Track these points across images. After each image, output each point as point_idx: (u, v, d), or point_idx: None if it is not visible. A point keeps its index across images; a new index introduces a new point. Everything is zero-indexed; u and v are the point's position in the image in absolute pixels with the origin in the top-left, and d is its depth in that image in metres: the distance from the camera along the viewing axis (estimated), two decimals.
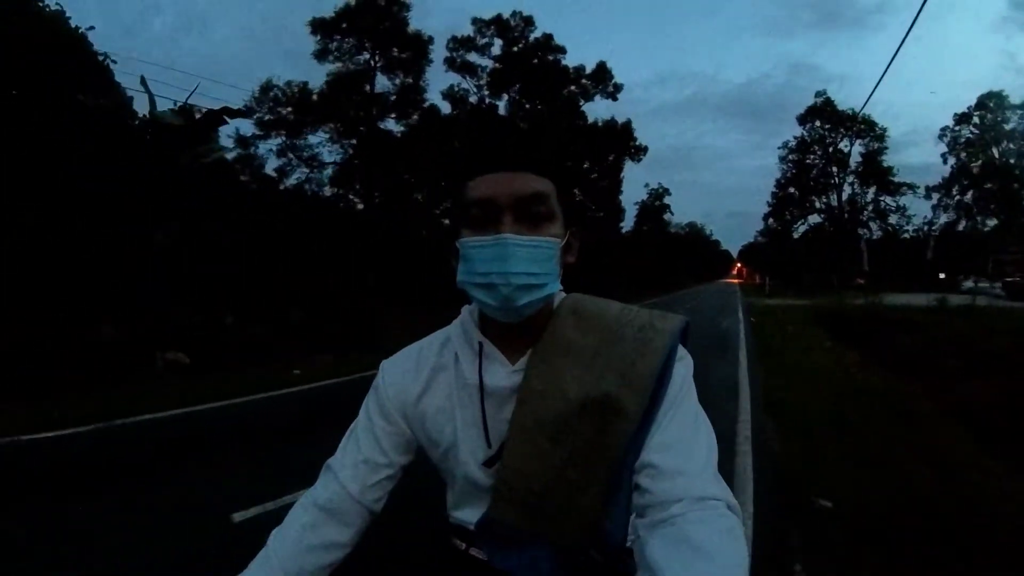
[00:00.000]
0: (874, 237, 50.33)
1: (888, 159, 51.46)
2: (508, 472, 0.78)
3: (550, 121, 29.28)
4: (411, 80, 25.34)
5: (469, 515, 0.86)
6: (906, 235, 50.67)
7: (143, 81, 12.70)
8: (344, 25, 23.87)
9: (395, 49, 24.38)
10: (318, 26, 23.82)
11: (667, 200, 56.33)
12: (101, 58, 11.75)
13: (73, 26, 11.35)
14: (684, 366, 0.80)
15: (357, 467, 0.85)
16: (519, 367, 0.81)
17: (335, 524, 0.83)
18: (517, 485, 0.77)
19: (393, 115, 25.12)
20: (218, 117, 13.50)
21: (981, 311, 14.38)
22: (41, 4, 10.92)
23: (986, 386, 6.22)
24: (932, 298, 16.34)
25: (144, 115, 12.67)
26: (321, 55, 24.10)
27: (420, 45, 24.74)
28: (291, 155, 23.23)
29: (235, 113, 14.42)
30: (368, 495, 0.85)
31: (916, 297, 19.66)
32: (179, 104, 13.15)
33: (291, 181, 23.40)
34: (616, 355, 0.78)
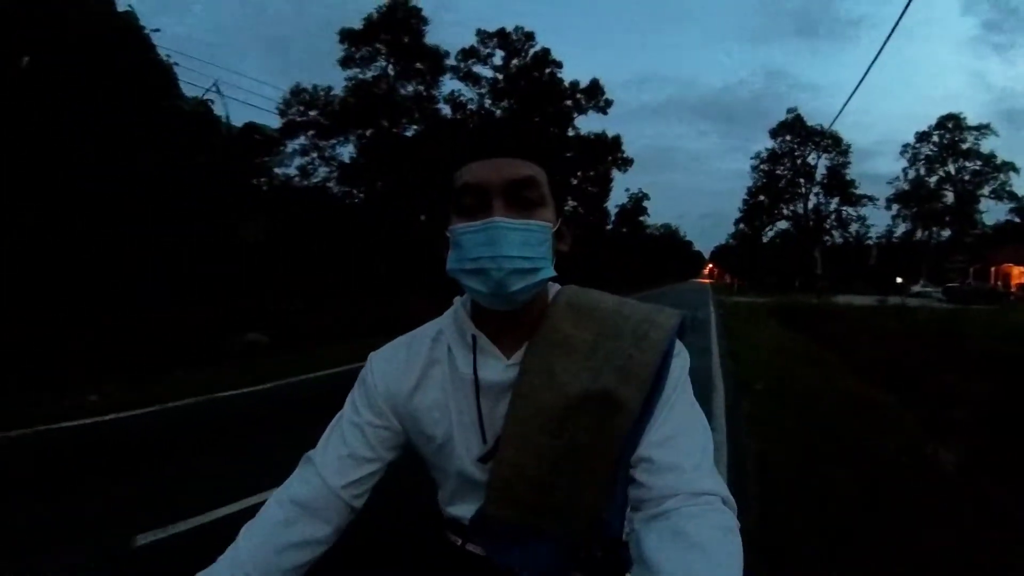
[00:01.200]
0: (837, 243, 54.91)
1: (858, 167, 56.13)
2: (504, 467, 0.78)
3: (539, 115, 32.30)
4: (423, 89, 28.12)
5: (464, 510, 0.85)
6: (870, 241, 55.02)
7: (216, 87, 15.12)
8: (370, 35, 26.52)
9: (415, 62, 26.92)
10: (346, 35, 26.38)
11: (644, 203, 60.08)
12: (167, 58, 13.55)
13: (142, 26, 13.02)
14: (681, 361, 0.80)
15: (341, 461, 0.83)
16: (514, 361, 0.81)
17: (313, 520, 0.80)
18: (513, 480, 0.77)
19: (404, 120, 27.78)
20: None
21: (908, 310, 17.59)
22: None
23: (877, 350, 9.29)
24: (875, 299, 19.70)
25: (225, 119, 15.08)
26: (345, 63, 26.69)
27: (437, 58, 27.44)
28: (314, 155, 25.64)
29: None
30: (350, 491, 0.82)
31: (862, 298, 23.30)
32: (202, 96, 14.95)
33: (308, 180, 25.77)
34: (614, 350, 0.78)
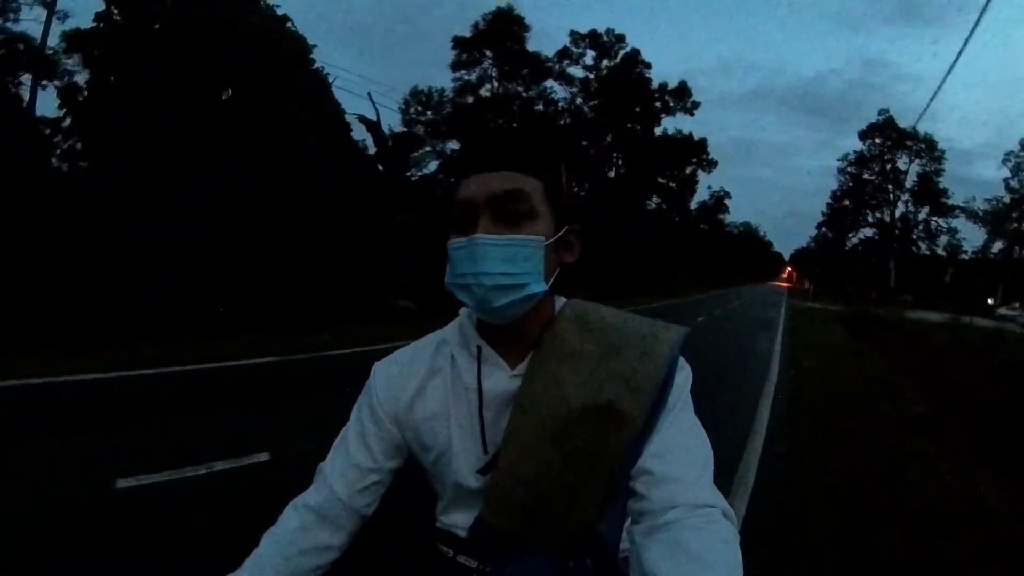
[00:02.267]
0: (924, 255, 53.38)
1: (961, 170, 52.51)
2: (504, 476, 0.78)
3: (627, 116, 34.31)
4: (523, 91, 30.91)
5: (460, 520, 0.86)
6: (964, 256, 52.87)
7: (370, 96, 18.32)
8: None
9: (520, 68, 29.79)
10: (459, 42, 29.52)
11: (725, 200, 60.65)
12: (323, 71, 16.56)
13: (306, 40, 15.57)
14: (684, 376, 0.81)
15: (346, 472, 0.86)
16: (518, 372, 0.81)
17: (326, 527, 0.85)
18: (512, 490, 0.78)
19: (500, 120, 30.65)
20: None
21: (974, 329, 18.45)
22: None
23: (917, 354, 11.27)
24: (947, 317, 20.69)
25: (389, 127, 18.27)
26: (456, 67, 29.90)
27: (538, 63, 30.14)
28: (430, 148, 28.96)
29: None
30: (358, 500, 0.86)
31: (938, 315, 24.02)
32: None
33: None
34: (619, 363, 0.78)
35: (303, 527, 0.84)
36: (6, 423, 4.31)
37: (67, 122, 13.99)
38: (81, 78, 18.10)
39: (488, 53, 29.73)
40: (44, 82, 17.63)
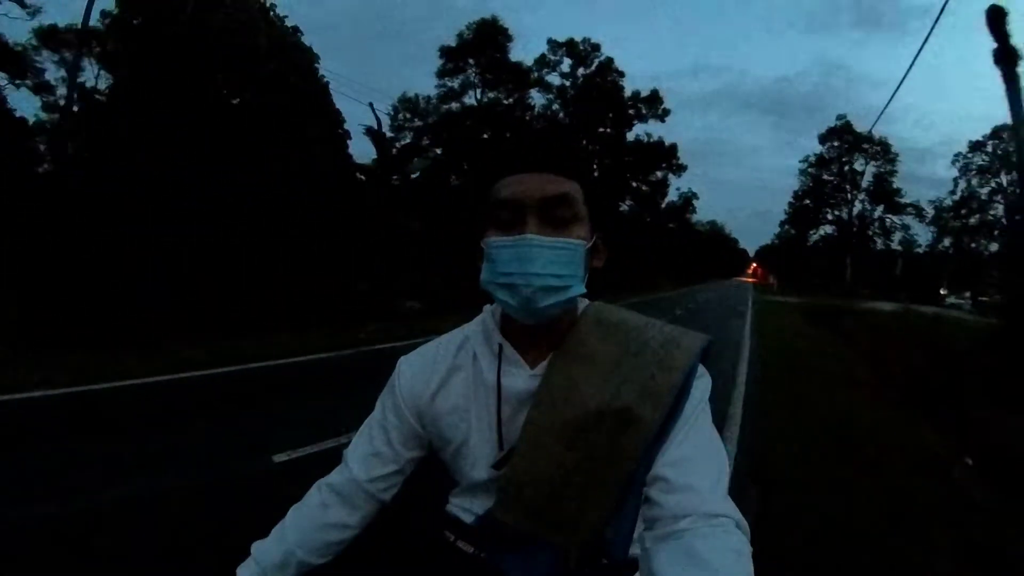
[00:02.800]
0: (880, 250, 56.66)
1: (917, 168, 54.48)
2: (517, 473, 0.80)
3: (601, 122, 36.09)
4: (504, 98, 32.48)
5: (471, 506, 0.90)
6: (919, 250, 55.94)
7: (371, 106, 19.46)
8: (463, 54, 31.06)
9: (504, 77, 31.39)
10: (445, 51, 31.01)
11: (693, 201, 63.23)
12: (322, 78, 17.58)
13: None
14: (703, 383, 0.82)
15: (367, 459, 0.92)
16: (539, 371, 0.83)
17: (345, 507, 0.91)
18: (525, 486, 0.79)
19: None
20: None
21: (920, 316, 20.43)
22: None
23: (870, 340, 13.22)
24: (900, 306, 22.93)
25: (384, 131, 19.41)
26: (441, 74, 31.36)
27: (521, 74, 31.77)
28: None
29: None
30: (376, 485, 0.91)
31: (889, 305, 26.48)
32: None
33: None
34: (638, 367, 0.79)
35: (323, 504, 0.91)
36: (175, 407, 4.95)
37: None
38: (51, 75, 18.44)
39: (471, 62, 31.27)
40: (17, 81, 18.29)
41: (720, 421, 4.94)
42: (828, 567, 2.55)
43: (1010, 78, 9.16)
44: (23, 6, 16.86)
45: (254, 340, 8.41)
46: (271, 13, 16.31)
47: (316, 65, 17.38)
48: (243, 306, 10.89)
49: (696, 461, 0.74)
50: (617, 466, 0.76)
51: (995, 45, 9.36)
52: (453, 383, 0.90)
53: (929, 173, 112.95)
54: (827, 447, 4.32)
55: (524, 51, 40.47)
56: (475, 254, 0.84)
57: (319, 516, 0.91)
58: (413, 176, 19.72)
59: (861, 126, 54.97)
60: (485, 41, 30.76)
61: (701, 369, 0.83)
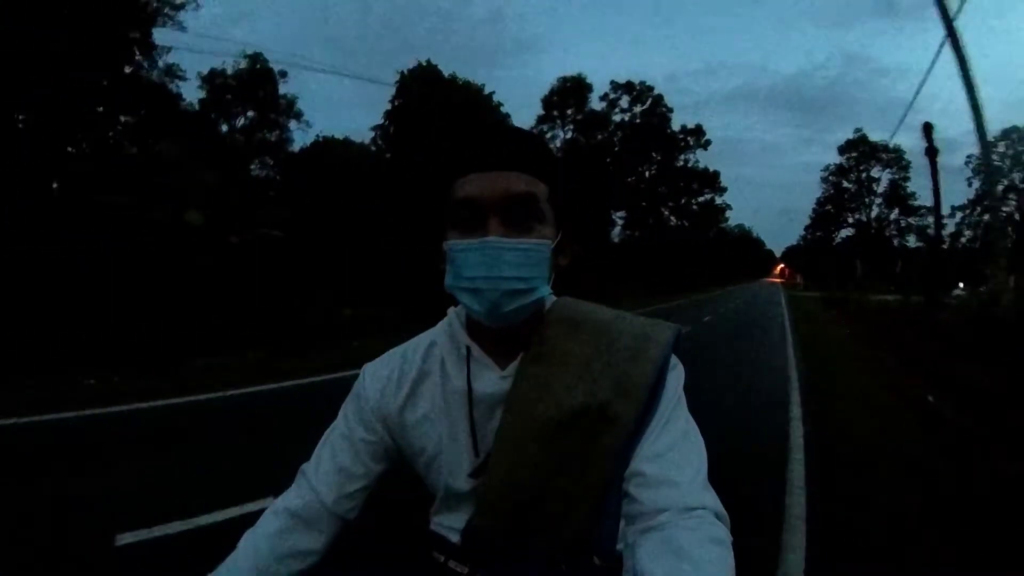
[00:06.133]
0: (897, 248, 62.77)
1: (944, 160, 55.55)
2: (496, 480, 0.77)
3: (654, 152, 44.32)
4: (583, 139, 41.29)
5: (452, 523, 0.85)
6: (943, 246, 60.79)
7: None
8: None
9: (588, 124, 40.70)
10: (544, 103, 40.52)
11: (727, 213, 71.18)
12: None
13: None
14: (676, 375, 0.80)
15: (331, 476, 0.84)
16: (509, 372, 0.80)
17: (307, 531, 0.82)
18: (505, 493, 0.77)
19: None
20: None
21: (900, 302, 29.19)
22: None
23: (873, 321, 21.39)
24: (896, 298, 31.03)
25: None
26: (539, 122, 40.42)
27: (601, 120, 41.01)
28: None
29: None
30: (342, 504, 0.84)
31: (894, 296, 34.43)
32: None
33: None
34: (610, 363, 0.77)
35: (282, 530, 0.82)
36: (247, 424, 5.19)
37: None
38: None
39: (554, 113, 40.23)
40: None
41: (785, 337, 13.27)
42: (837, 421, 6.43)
43: (934, 171, 17.81)
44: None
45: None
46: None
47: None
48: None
49: (674, 454, 0.72)
50: (597, 464, 0.74)
51: (926, 145, 18.00)
52: (422, 390, 0.85)
53: (957, 163, 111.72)
54: (840, 358, 12.65)
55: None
56: (437, 256, 0.80)
57: (278, 545, 0.81)
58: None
59: (888, 116, 58.94)
60: (572, 94, 39.57)
61: (674, 360, 0.81)
